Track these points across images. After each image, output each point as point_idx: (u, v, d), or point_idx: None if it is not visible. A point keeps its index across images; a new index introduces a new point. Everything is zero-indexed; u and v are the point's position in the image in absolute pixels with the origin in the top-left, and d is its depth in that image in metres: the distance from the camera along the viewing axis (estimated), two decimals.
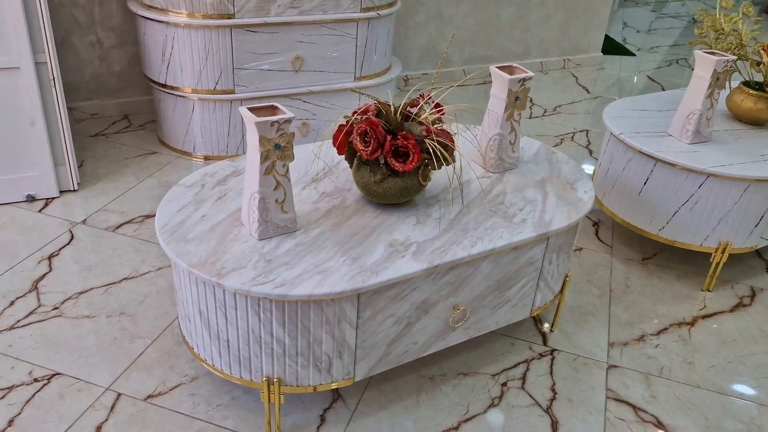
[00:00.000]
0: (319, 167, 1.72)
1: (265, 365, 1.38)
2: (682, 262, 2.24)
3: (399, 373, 1.69)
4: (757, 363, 1.83)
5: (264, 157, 1.32)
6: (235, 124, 2.66)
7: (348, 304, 1.33)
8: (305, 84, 2.69)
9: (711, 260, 2.06)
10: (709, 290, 2.12)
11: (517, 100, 1.70)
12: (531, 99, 3.63)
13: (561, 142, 3.12)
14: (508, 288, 1.59)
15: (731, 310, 2.04)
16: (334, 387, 1.44)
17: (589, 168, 2.85)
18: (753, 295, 2.11)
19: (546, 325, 1.90)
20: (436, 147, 1.45)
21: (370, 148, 1.45)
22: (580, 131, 3.25)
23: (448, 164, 1.48)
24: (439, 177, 1.71)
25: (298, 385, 1.41)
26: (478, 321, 1.60)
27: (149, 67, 2.64)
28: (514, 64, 1.72)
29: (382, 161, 1.48)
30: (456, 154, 1.68)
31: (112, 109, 3.04)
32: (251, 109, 1.33)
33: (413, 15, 3.57)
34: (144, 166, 2.63)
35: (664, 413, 1.64)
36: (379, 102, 1.52)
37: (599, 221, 2.45)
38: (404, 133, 1.46)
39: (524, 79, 1.67)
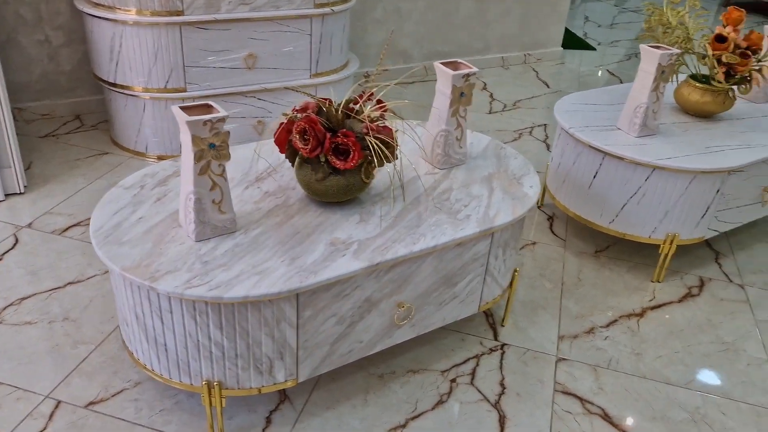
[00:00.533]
0: (264, 166, 1.70)
1: (205, 369, 1.36)
2: (634, 254, 2.27)
3: (347, 372, 1.68)
4: (704, 352, 1.86)
5: (198, 157, 1.30)
6: None
7: (287, 304, 1.31)
8: (259, 81, 2.66)
9: (660, 252, 2.09)
10: (658, 281, 2.14)
11: (462, 95, 1.69)
12: (491, 95, 3.65)
13: (519, 137, 3.13)
14: (453, 284, 1.59)
15: (680, 301, 2.07)
16: (278, 389, 1.42)
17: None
18: (701, 285, 2.15)
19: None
20: (376, 144, 1.44)
21: (309, 146, 1.43)
22: (539, 126, 3.26)
23: (389, 161, 1.47)
24: (385, 174, 1.70)
25: (239, 388, 1.39)
26: (424, 318, 1.59)
27: (98, 65, 2.58)
28: (459, 60, 1.71)
29: (323, 159, 1.47)
30: (399, 151, 1.67)
31: (63, 109, 2.97)
32: (184, 108, 1.31)
33: (371, 11, 3.55)
34: (95, 167, 2.58)
35: (610, 405, 1.66)
36: (320, 99, 1.50)
37: (554, 215, 2.47)
38: (344, 130, 1.44)
39: (468, 75, 1.67)
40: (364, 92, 1.57)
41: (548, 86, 3.85)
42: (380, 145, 1.44)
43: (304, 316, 1.35)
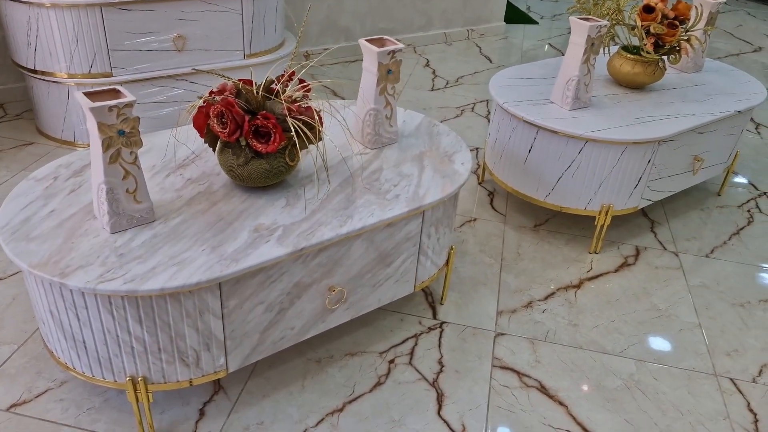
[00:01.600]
0: (188, 152, 1.64)
1: (127, 364, 1.31)
2: (572, 226, 2.29)
3: (285, 358, 1.65)
4: (638, 320, 1.89)
5: (106, 145, 1.24)
6: None
7: (209, 294, 1.27)
8: (190, 63, 2.57)
9: (595, 223, 2.11)
10: (596, 252, 2.17)
11: (389, 73, 1.66)
12: (434, 71, 3.62)
13: (461, 114, 3.12)
14: (386, 265, 1.57)
15: (616, 270, 2.10)
16: (208, 380, 1.39)
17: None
18: (637, 255, 2.18)
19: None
20: (297, 126, 1.40)
21: (227, 130, 1.38)
22: (481, 101, 3.26)
23: (312, 143, 1.43)
24: (314, 156, 1.66)
25: (166, 382, 1.35)
26: (358, 300, 1.57)
27: (16, 51, 2.45)
28: (386, 37, 1.67)
29: (243, 143, 1.42)
30: (325, 132, 1.63)
31: None
32: (90, 94, 1.24)
33: None
34: (19, 158, 2.46)
35: (547, 377, 1.68)
36: (239, 81, 1.45)
37: (494, 191, 2.47)
38: (264, 112, 1.40)
39: (394, 51, 1.63)
40: (285, 72, 1.52)
41: (491, 61, 3.84)
42: (302, 126, 1.40)
43: (228, 305, 1.31)
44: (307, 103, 1.46)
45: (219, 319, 1.32)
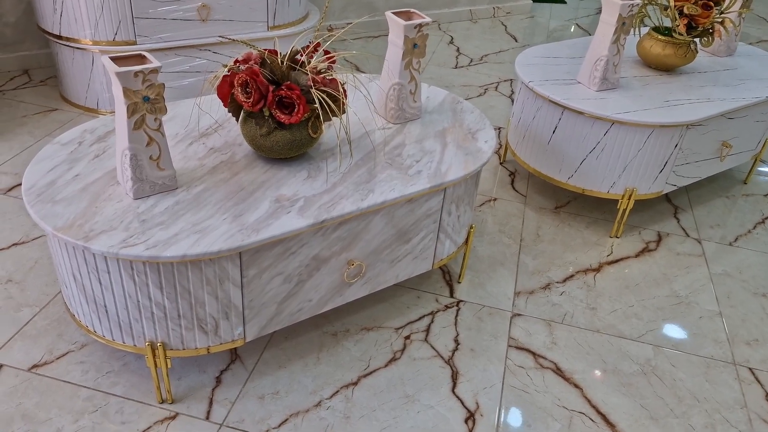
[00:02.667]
0: (211, 122, 1.64)
1: (147, 329, 1.32)
2: (594, 209, 2.26)
3: (301, 330, 1.66)
4: (657, 305, 1.87)
5: (131, 111, 1.24)
6: None
7: (229, 263, 1.28)
8: (214, 34, 2.56)
9: (618, 207, 2.08)
10: (617, 237, 2.15)
11: (415, 47, 1.64)
12: (458, 49, 3.58)
13: (485, 92, 3.08)
14: (406, 241, 1.57)
15: (636, 255, 2.08)
16: (226, 348, 1.40)
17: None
18: (659, 240, 2.16)
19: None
20: (321, 97, 1.39)
21: (251, 100, 1.37)
22: (505, 81, 3.21)
23: (335, 116, 1.42)
24: (337, 129, 1.65)
25: (184, 349, 1.36)
26: (376, 275, 1.57)
27: (42, 17, 2.46)
28: (413, 10, 1.65)
29: (266, 114, 1.41)
30: (349, 105, 1.62)
31: (11, 63, 2.84)
32: (116, 59, 1.24)
33: None
34: (42, 124, 2.48)
35: (563, 359, 1.67)
36: (264, 51, 1.44)
37: (515, 171, 2.45)
38: (289, 83, 1.39)
39: (421, 25, 1.61)
40: (311, 43, 1.51)
41: (516, 40, 3.78)
42: (326, 98, 1.38)
43: (248, 275, 1.32)
44: (332, 75, 1.44)
45: (238, 288, 1.32)
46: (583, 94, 2.02)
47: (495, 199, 2.28)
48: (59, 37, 2.44)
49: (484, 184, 2.35)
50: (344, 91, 1.48)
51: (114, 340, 1.37)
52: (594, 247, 2.09)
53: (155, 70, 1.23)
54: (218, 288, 1.30)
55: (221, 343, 1.38)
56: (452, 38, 3.72)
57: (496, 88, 3.14)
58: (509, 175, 2.42)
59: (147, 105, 1.25)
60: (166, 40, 2.47)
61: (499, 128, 2.74)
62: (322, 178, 1.46)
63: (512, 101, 3.01)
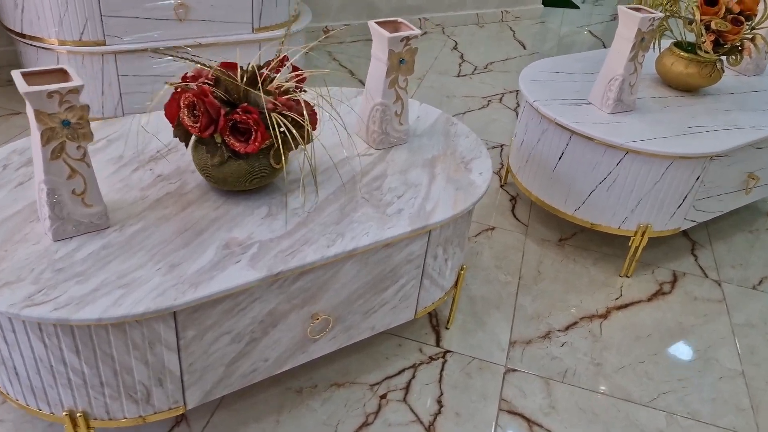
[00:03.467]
0: (165, 141, 1.42)
1: (65, 397, 1.11)
2: (602, 243, 2.04)
3: (261, 386, 1.45)
4: (672, 362, 1.65)
5: (47, 138, 1.02)
6: (110, 81, 2.30)
7: (161, 324, 1.06)
8: (193, 35, 2.34)
9: (630, 244, 1.86)
10: (627, 276, 1.92)
11: (402, 63, 1.42)
12: (462, 55, 3.35)
13: (488, 104, 2.86)
14: (382, 290, 1.35)
15: (649, 299, 1.85)
16: (163, 418, 1.19)
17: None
18: (674, 281, 1.93)
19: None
20: (283, 123, 1.17)
21: (199, 125, 1.15)
22: (510, 92, 2.99)
23: (297, 146, 1.20)
24: (300, 162, 1.43)
25: (110, 419, 1.15)
26: (347, 328, 1.36)
27: (4, 12, 2.25)
28: (400, 20, 1.43)
29: (218, 140, 1.19)
30: (321, 128, 1.40)
31: None
32: (30, 74, 1.03)
33: None
34: (3, 129, 2.27)
35: (561, 427, 1.45)
36: (219, 65, 1.22)
37: (517, 195, 2.22)
38: (245, 105, 1.17)
39: (409, 38, 1.38)
40: (278, 55, 1.29)
41: (525, 47, 3.55)
42: (287, 124, 1.16)
43: (186, 336, 1.10)
44: (298, 96, 1.22)
45: (174, 351, 1.11)
46: (595, 117, 1.79)
47: (493, 228, 2.06)
48: (22, 36, 2.23)
49: (482, 210, 2.13)
50: (313, 114, 1.26)
51: (29, 406, 1.15)
52: (601, 288, 1.87)
53: (75, 90, 1.01)
54: (148, 352, 1.08)
55: (155, 413, 1.17)
56: (456, 43, 3.49)
57: (501, 99, 2.91)
58: (510, 200, 2.20)
59: (67, 131, 1.03)
60: (138, 40, 2.26)
61: (502, 146, 2.52)
62: (285, 217, 1.24)
63: (517, 115, 2.79)
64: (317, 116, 1.28)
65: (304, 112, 1.18)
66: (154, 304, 1.01)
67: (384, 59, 1.39)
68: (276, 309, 1.19)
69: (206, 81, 1.20)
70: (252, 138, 1.17)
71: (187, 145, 1.24)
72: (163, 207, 1.23)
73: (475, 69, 3.20)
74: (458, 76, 3.11)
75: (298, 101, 1.21)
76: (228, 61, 1.25)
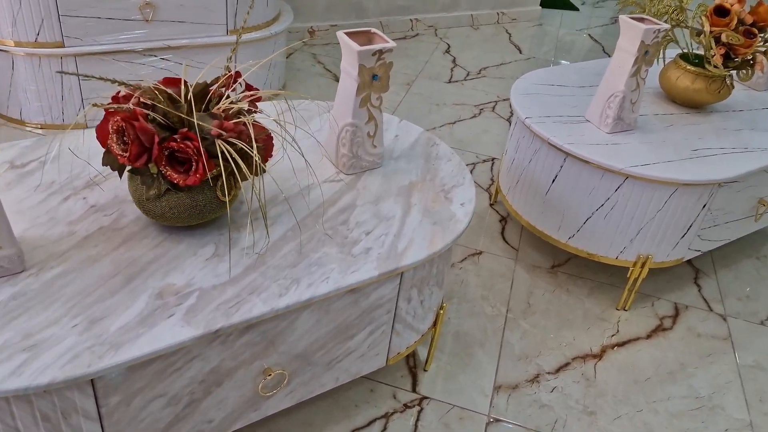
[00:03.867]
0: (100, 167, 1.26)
1: None
2: (599, 270, 1.88)
3: None
4: (673, 411, 1.49)
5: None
6: (70, 86, 2.13)
7: (75, 392, 0.90)
8: (161, 37, 2.17)
9: (628, 276, 1.70)
10: (625, 309, 1.76)
11: (374, 79, 1.25)
12: (454, 59, 3.18)
13: (480, 113, 2.69)
14: (348, 338, 1.19)
15: (648, 336, 1.69)
16: None
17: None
18: (676, 315, 1.77)
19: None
20: (228, 152, 1.00)
21: (129, 154, 0.99)
22: (504, 100, 2.82)
23: (244, 179, 1.03)
24: (261, 189, 1.26)
25: None
26: (307, 381, 1.20)
27: None
28: (374, 30, 1.26)
29: (154, 171, 1.03)
30: (284, 149, 1.24)
31: None
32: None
33: None
34: None
35: None
36: (159, 82, 1.06)
37: (507, 216, 2.06)
38: (185, 131, 1.00)
39: (382, 51, 1.22)
40: (227, 71, 1.12)
41: (521, 51, 3.38)
42: (231, 153, 1.00)
43: (108, 404, 0.94)
44: (248, 120, 1.06)
45: (94, 420, 0.95)
46: (592, 136, 1.63)
47: (480, 253, 1.90)
48: None
49: (469, 232, 1.97)
50: (269, 140, 1.10)
51: None
52: (596, 323, 1.71)
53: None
54: (62, 424, 0.92)
55: None
56: (449, 46, 3.32)
57: (493, 108, 2.75)
58: (500, 221, 2.04)
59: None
60: (100, 42, 2.09)
61: (493, 159, 2.35)
62: (234, 258, 1.08)
63: (510, 125, 2.62)
64: (272, 142, 1.11)
65: (253, 140, 1.01)
66: (63, 372, 0.85)
67: (354, 75, 1.23)
68: (219, 367, 1.03)
69: (143, 101, 1.03)
70: (193, 169, 1.01)
71: (121, 175, 1.07)
72: (92, 245, 1.06)
73: (467, 74, 3.03)
74: (449, 82, 2.94)
75: (246, 127, 1.04)
76: (188, 69, 1.09)
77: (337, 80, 2.82)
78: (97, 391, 0.92)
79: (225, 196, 1.07)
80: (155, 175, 1.04)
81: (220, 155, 1.00)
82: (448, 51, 3.27)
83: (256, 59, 2.36)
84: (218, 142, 1.01)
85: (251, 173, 1.03)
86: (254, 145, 1.00)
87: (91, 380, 0.90)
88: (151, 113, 1.00)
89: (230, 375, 1.06)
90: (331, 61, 2.98)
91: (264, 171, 1.06)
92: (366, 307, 1.16)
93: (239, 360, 1.05)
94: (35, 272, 1.00)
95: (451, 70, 3.07)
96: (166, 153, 1.00)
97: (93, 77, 0.98)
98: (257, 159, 1.00)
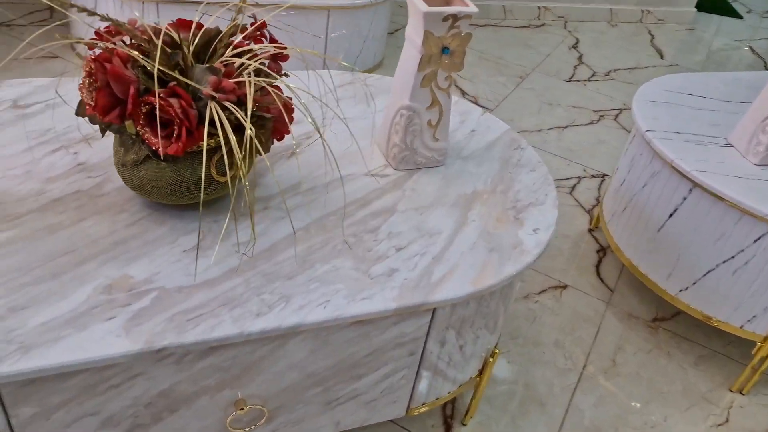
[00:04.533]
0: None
1: None
2: (714, 336, 1.48)
3: None
4: None
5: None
6: None
7: None
8: None
9: (754, 352, 1.30)
10: (741, 393, 1.37)
11: (444, 52, 0.97)
12: (580, 56, 2.79)
13: (598, 120, 2.31)
14: (354, 378, 0.93)
15: None
16: None
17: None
18: None
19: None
20: (219, 117, 0.77)
21: (97, 103, 0.78)
22: (630, 109, 2.41)
23: (257, 153, 0.79)
24: (299, 168, 1.02)
25: None
26: (297, 421, 0.95)
27: None
28: None
29: (131, 131, 0.81)
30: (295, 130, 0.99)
31: None
32: None
33: None
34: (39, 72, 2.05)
35: None
36: (174, 23, 0.84)
37: (608, 247, 1.70)
38: (173, 86, 0.78)
39: (457, 17, 0.93)
40: (255, 19, 0.89)
41: (662, 57, 2.92)
42: (223, 120, 0.76)
43: (18, 414, 0.74)
44: (270, 81, 0.81)
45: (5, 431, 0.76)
46: (734, 166, 1.25)
47: (564, 287, 1.56)
48: None
49: (556, 258, 1.63)
50: (287, 108, 0.85)
51: None
52: (700, 404, 1.33)
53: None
54: None
55: None
56: (577, 41, 2.92)
57: (616, 117, 2.35)
58: (597, 252, 1.68)
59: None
60: None
61: (604, 176, 1.98)
62: (221, 254, 0.85)
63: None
64: (292, 115, 0.87)
65: (249, 106, 0.76)
66: None
67: (418, 44, 0.95)
68: (172, 390, 0.81)
69: (129, 41, 0.82)
70: (174, 135, 0.78)
71: (102, 133, 0.87)
72: (58, 211, 0.87)
73: (593, 74, 2.64)
74: (570, 81, 2.56)
75: (275, 86, 0.80)
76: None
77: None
78: (2, 398, 0.72)
79: (224, 174, 0.84)
80: (134, 137, 0.82)
81: (217, 122, 0.77)
82: (575, 46, 2.87)
83: (350, 30, 2.13)
84: (211, 104, 0.78)
85: (259, 149, 0.78)
86: (249, 113, 0.75)
87: None
88: (140, 58, 0.78)
89: (188, 402, 0.83)
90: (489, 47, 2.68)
91: (266, 150, 0.81)
92: (380, 344, 0.89)
93: (200, 386, 0.82)
94: None
95: (575, 67, 2.68)
96: (144, 110, 0.78)
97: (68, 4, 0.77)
98: (250, 132, 0.75)
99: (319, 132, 0.82)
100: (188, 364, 0.79)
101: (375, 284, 0.84)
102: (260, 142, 0.84)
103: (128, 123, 0.80)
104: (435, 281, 0.86)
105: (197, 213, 0.91)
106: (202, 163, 0.83)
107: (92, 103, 0.78)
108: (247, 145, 0.76)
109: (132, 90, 0.76)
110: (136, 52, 0.77)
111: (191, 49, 0.84)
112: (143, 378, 0.77)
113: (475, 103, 2.30)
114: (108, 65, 0.75)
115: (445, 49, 0.97)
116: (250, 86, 0.76)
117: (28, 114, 1.04)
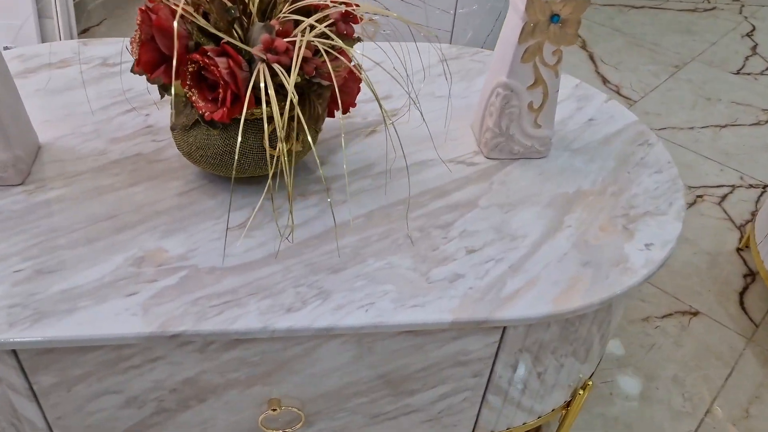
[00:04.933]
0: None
1: None
2: None
3: None
4: None
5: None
6: None
7: None
8: None
9: None
10: None
11: (553, 21, 0.80)
12: (755, 45, 2.39)
13: (766, 122, 1.96)
14: (404, 393, 0.80)
15: None
16: None
17: None
18: None
19: None
20: (266, 82, 0.67)
21: (141, 58, 0.71)
22: None
23: (313, 121, 0.69)
24: (371, 148, 0.91)
25: None
26: (341, 430, 0.85)
27: None
28: None
29: (180, 92, 0.75)
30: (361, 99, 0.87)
31: None
32: None
33: None
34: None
35: None
36: None
37: (757, 273, 1.41)
38: (222, 44, 0.70)
39: None
40: None
41: None
42: (268, 83, 0.66)
43: (39, 382, 0.71)
44: (321, 45, 0.71)
45: (27, 398, 0.72)
46: None
47: (696, 314, 1.32)
48: None
49: (691, 279, 1.39)
50: (351, 79, 0.74)
51: None
52: None
53: None
54: None
55: None
56: (753, 28, 2.52)
57: None
58: (744, 277, 1.41)
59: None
60: None
61: (765, 188, 1.67)
62: (269, 235, 0.76)
63: None
64: (359, 85, 0.75)
65: (295, 71, 0.66)
66: None
67: (521, 10, 0.79)
68: (198, 379, 0.74)
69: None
70: (220, 99, 0.70)
71: (161, 95, 0.81)
72: (113, 173, 0.83)
73: (767, 68, 2.25)
74: (738, 73, 2.20)
75: (341, 50, 0.70)
76: None
77: (584, 46, 2.29)
78: (22, 364, 0.69)
79: (273, 148, 0.75)
80: (182, 98, 0.76)
81: (262, 87, 0.68)
82: (750, 34, 2.48)
83: (482, 6, 1.97)
84: (260, 66, 0.68)
85: (308, 123, 0.68)
86: (293, 75, 0.64)
87: (14, 350, 0.67)
88: (185, 10, 0.70)
89: (216, 393, 0.76)
90: (643, 32, 2.42)
91: (322, 118, 0.71)
92: (436, 359, 0.76)
93: (228, 378, 0.74)
94: (32, 190, 0.80)
95: (746, 58, 2.30)
96: (191, 69, 0.70)
97: None
98: (293, 97, 0.64)
99: (384, 116, 0.69)
100: (213, 354, 0.71)
101: (432, 290, 0.71)
102: (317, 113, 0.73)
103: (176, 83, 0.73)
104: (506, 295, 0.71)
105: (255, 189, 0.83)
106: (258, 132, 0.74)
107: (137, 59, 0.71)
108: (296, 118, 0.66)
109: (176, 46, 0.69)
110: (183, 3, 0.69)
111: (255, 3, 0.75)
112: (164, 362, 0.71)
113: (617, 92, 2.05)
114: (154, 16, 0.69)
115: (554, 17, 0.80)
116: (299, 46, 0.65)
117: (113, 72, 1.02)
